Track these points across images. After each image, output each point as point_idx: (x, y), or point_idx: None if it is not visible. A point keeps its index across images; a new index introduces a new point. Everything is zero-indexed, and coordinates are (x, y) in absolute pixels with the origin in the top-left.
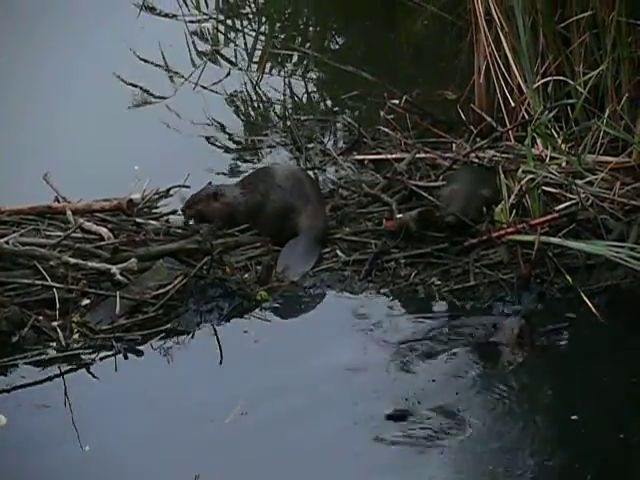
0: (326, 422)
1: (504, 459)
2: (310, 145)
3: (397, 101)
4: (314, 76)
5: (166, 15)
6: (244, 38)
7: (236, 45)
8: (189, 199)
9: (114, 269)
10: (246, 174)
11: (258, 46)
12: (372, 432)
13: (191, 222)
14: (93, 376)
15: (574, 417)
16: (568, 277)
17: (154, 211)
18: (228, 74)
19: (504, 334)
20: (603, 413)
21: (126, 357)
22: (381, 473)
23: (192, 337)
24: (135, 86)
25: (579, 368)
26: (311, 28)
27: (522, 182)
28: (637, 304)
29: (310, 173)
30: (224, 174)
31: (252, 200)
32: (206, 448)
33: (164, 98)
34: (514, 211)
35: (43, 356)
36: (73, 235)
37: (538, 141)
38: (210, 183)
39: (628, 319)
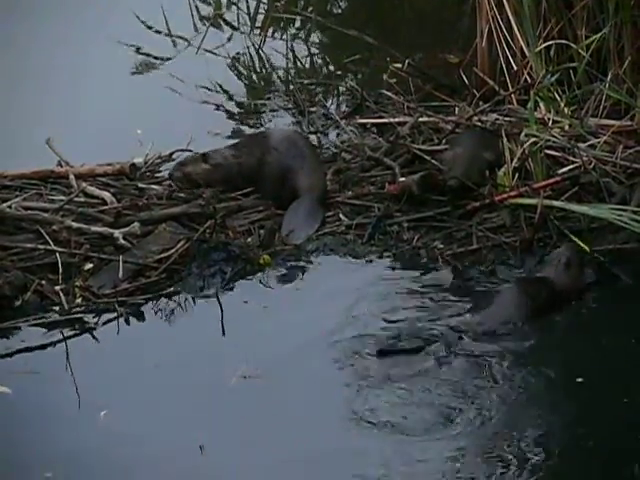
0: (328, 386)
1: (508, 421)
2: (313, 109)
3: (400, 65)
4: (316, 40)
5: None
6: (247, 2)
7: (239, 9)
8: (177, 162)
9: (117, 233)
10: (241, 138)
11: (261, 10)
12: (371, 397)
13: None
14: (96, 340)
15: (580, 380)
16: (579, 242)
17: (157, 175)
18: (230, 38)
19: (551, 267)
20: (608, 376)
21: (128, 321)
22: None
23: (195, 301)
24: (138, 51)
25: (585, 330)
26: None
27: (525, 146)
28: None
29: (311, 136)
30: (226, 138)
31: (247, 163)
32: (209, 411)
33: (167, 62)
34: (517, 175)
35: (45, 320)
36: (76, 199)
37: (541, 105)
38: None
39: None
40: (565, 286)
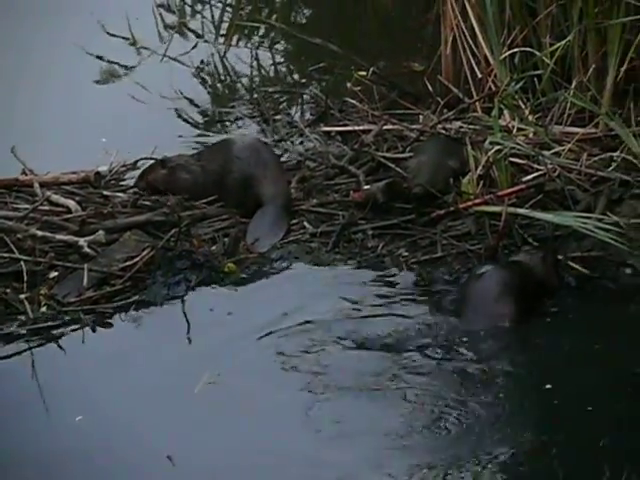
0: (290, 392)
1: (472, 429)
2: (277, 117)
3: (364, 73)
4: (281, 48)
5: None
6: (211, 10)
7: (203, 17)
8: (141, 170)
9: (82, 241)
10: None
11: (225, 18)
12: (335, 403)
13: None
14: (61, 348)
15: (548, 386)
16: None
17: (121, 183)
18: (195, 46)
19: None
20: (573, 383)
21: (94, 329)
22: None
23: (160, 309)
24: (102, 59)
25: (550, 338)
26: (278, 0)
27: (489, 153)
28: (605, 275)
29: (275, 144)
30: (191, 146)
31: (208, 170)
32: (176, 419)
33: (132, 70)
34: (481, 182)
35: (11, 329)
36: (41, 208)
37: (505, 112)
38: (165, 156)
39: (595, 289)
40: (542, 272)
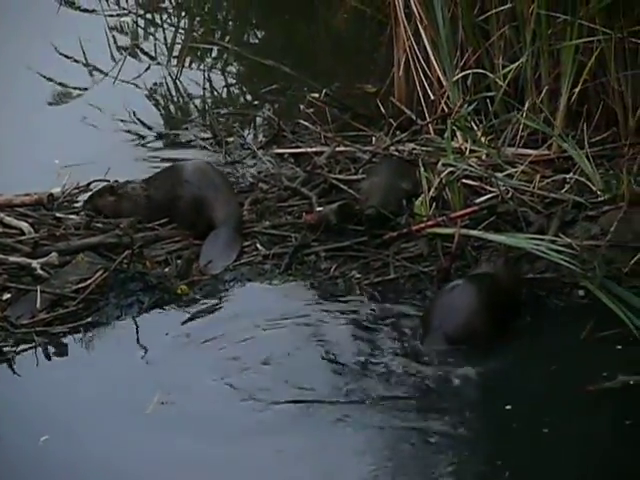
0: (244, 410)
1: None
2: (230, 139)
3: (317, 95)
4: (234, 70)
5: (86, 10)
6: (164, 32)
7: (156, 39)
8: (91, 193)
9: (35, 263)
10: (151, 174)
11: (177, 40)
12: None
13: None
14: (13, 371)
15: (508, 407)
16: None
17: (74, 205)
18: (148, 68)
19: (488, 264)
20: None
21: (47, 351)
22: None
23: (113, 330)
24: (55, 81)
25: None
26: (230, 22)
27: (442, 175)
28: (557, 296)
29: (228, 167)
30: (144, 168)
31: (155, 197)
32: (128, 440)
33: (84, 92)
34: (434, 204)
35: None
36: None
37: (458, 134)
38: (116, 181)
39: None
40: (508, 280)
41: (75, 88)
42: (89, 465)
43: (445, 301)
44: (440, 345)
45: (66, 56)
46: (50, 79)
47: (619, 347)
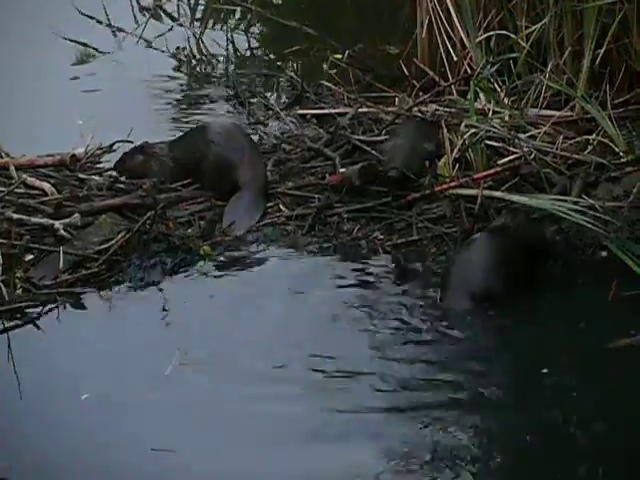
0: (261, 373)
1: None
2: (253, 100)
3: (340, 56)
4: (257, 31)
5: None
6: None
7: (179, 0)
8: (121, 155)
9: (57, 224)
10: (180, 133)
11: (201, 1)
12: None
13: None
14: (39, 329)
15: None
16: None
17: (97, 166)
18: (171, 29)
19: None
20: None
21: (69, 312)
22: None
23: (135, 291)
24: (78, 42)
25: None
26: None
27: (465, 136)
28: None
29: (251, 127)
30: (168, 129)
31: (183, 157)
32: (149, 401)
33: (108, 53)
34: (457, 165)
35: None
36: (16, 190)
37: (481, 95)
38: (146, 142)
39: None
40: (529, 233)
41: (98, 50)
42: (107, 428)
43: (462, 259)
44: (460, 304)
45: (89, 17)
46: (73, 40)
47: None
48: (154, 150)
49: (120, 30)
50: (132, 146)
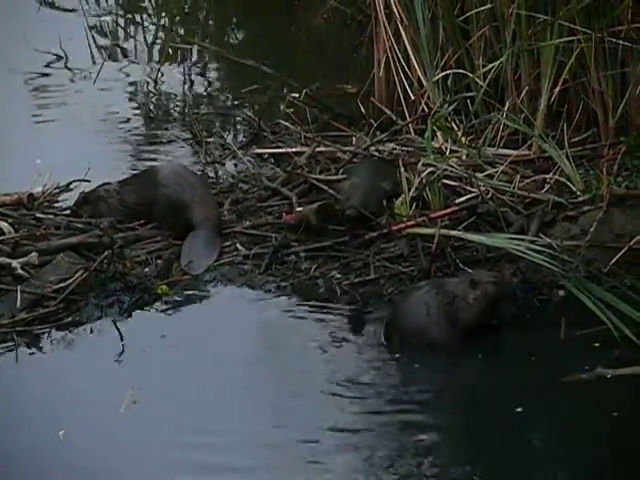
0: (225, 407)
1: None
2: (210, 139)
3: (297, 95)
4: (214, 70)
5: (66, 9)
6: (144, 32)
7: (136, 40)
8: (72, 203)
9: (15, 263)
10: (129, 175)
11: (158, 40)
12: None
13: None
14: None
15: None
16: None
17: (55, 205)
18: (128, 69)
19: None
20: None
21: (26, 351)
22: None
23: (92, 330)
24: (35, 82)
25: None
26: (211, 22)
27: (422, 175)
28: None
29: (208, 167)
30: (125, 168)
31: (134, 200)
32: (103, 438)
33: (66, 93)
34: (414, 204)
35: None
36: None
37: (438, 134)
38: (84, 189)
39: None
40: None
41: (57, 89)
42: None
43: (404, 305)
44: (400, 349)
45: (47, 54)
46: (33, 80)
47: (596, 345)
48: (99, 195)
49: (77, 69)
50: (77, 195)
